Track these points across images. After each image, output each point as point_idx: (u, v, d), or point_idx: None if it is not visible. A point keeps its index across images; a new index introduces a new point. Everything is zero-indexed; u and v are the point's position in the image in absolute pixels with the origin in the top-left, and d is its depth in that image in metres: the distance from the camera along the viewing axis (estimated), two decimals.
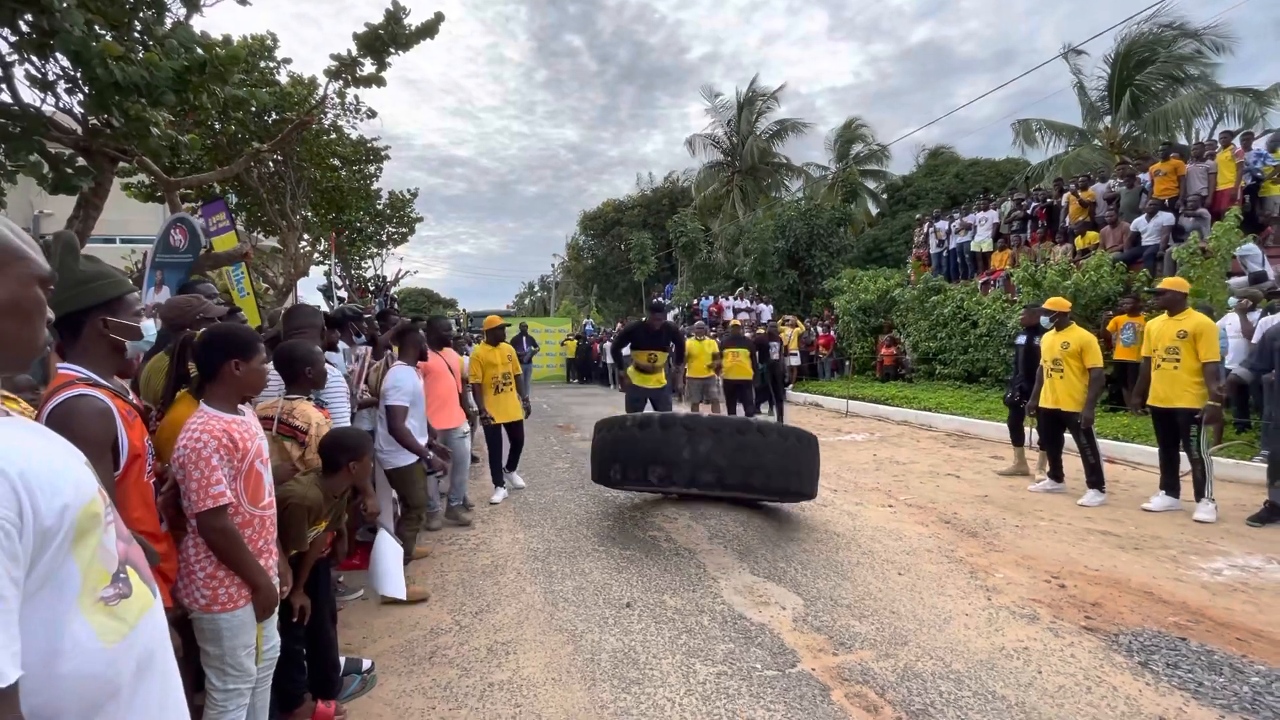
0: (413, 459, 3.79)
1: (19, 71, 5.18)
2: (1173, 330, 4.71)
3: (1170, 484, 4.85)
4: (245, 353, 1.79)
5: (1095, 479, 5.07)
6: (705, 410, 8.43)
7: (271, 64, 11.01)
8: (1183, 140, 15.05)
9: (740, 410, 8.50)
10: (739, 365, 8.70)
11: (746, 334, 9.66)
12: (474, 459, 5.92)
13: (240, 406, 1.87)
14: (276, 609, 1.88)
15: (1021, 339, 6.14)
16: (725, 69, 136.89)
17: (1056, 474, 5.48)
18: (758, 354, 8.97)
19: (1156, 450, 5.07)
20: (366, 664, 2.77)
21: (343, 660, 2.75)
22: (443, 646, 2.99)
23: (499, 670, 2.75)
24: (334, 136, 12.96)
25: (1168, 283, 4.92)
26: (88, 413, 1.39)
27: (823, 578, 3.65)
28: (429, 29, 7.21)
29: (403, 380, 3.81)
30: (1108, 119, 17.86)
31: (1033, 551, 4.05)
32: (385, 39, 7.10)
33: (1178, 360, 4.67)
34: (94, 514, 0.74)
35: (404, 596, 3.12)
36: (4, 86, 5.07)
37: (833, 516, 4.86)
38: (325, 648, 2.53)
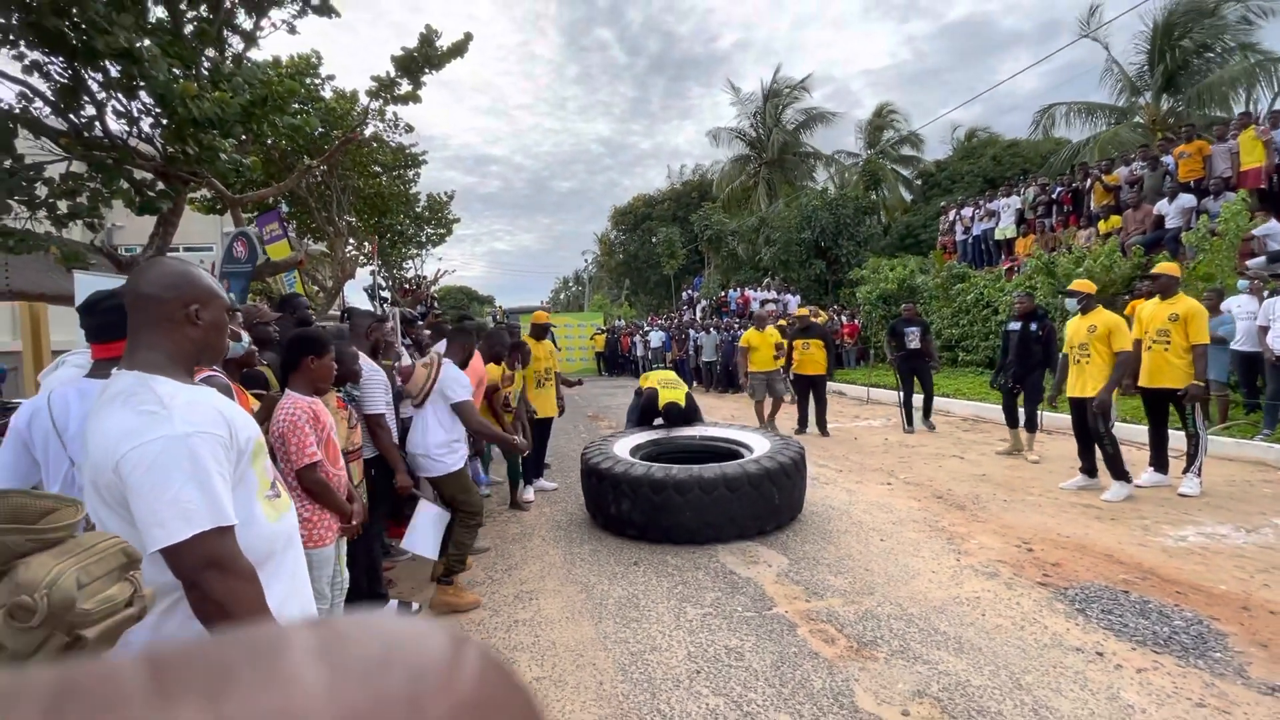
0: (461, 464, 3.54)
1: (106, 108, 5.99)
2: (1164, 313, 4.87)
3: (1159, 461, 5.08)
4: (319, 350, 2.36)
5: (1117, 469, 4.77)
6: (767, 407, 7.82)
7: (316, 80, 11.86)
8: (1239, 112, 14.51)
9: (812, 407, 7.96)
10: (811, 358, 7.87)
11: (816, 321, 8.64)
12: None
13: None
14: (344, 546, 2.46)
15: (1016, 325, 6.25)
16: (757, 55, 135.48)
17: (1090, 468, 5.08)
18: (894, 342, 8.02)
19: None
20: (415, 606, 3.36)
21: (395, 602, 3.35)
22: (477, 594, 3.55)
23: (523, 611, 3.30)
24: (375, 145, 13.82)
25: (1162, 267, 5.10)
26: (220, 387, 1.96)
27: (810, 543, 4.09)
28: (459, 49, 7.82)
29: (461, 374, 3.65)
30: (1148, 95, 17.34)
31: (1012, 522, 4.39)
32: (420, 61, 7.75)
33: (1168, 342, 4.83)
34: (262, 444, 1.27)
35: (434, 557, 3.41)
36: (97, 124, 5.87)
37: (831, 493, 5.26)
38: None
